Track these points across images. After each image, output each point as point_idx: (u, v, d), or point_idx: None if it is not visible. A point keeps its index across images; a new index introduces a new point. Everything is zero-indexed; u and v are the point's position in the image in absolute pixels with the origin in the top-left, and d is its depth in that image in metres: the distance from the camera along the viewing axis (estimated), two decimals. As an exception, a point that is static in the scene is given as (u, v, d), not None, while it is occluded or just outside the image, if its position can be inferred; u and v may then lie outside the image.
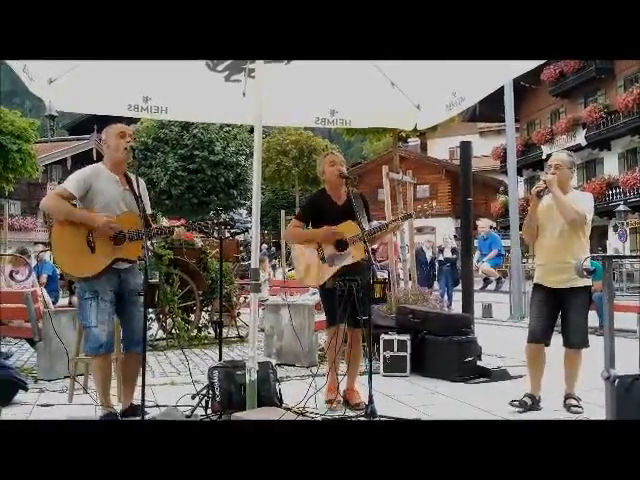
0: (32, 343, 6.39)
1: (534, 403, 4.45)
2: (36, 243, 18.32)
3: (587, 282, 4.35)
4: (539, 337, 4.45)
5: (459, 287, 8.92)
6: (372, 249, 4.24)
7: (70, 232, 3.82)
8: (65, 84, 4.24)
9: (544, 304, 4.47)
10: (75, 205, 3.89)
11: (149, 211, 4.14)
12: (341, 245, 4.45)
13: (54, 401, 4.70)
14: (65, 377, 5.24)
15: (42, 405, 4.61)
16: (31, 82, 3.79)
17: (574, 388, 4.49)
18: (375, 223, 4.61)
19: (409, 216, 4.71)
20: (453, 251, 12.46)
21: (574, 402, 4.42)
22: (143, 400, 3.52)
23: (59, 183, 30.99)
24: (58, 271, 9.14)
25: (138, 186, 3.89)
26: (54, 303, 8.43)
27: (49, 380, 5.46)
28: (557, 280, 4.38)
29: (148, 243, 3.76)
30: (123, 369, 4.14)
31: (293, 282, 9.72)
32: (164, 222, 7.49)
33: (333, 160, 4.55)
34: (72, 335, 5.15)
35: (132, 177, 3.98)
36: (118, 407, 4.09)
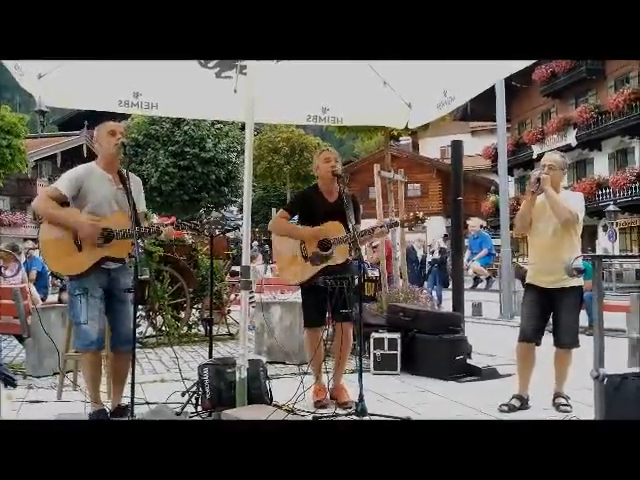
0: (21, 339, 6.35)
1: (522, 404, 4.45)
2: (25, 239, 18.20)
3: (579, 282, 4.34)
4: (530, 336, 4.46)
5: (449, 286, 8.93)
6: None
7: (58, 231, 3.81)
8: (55, 79, 4.20)
9: (535, 304, 4.47)
10: (68, 204, 3.86)
11: (143, 209, 4.11)
12: (325, 245, 4.45)
13: (43, 397, 4.69)
14: (54, 374, 5.22)
15: (31, 401, 4.59)
16: (22, 77, 3.77)
17: (563, 387, 4.51)
18: (360, 227, 4.60)
19: (396, 224, 4.75)
20: (441, 251, 12.49)
21: (563, 401, 4.44)
22: (133, 398, 3.50)
23: (49, 179, 30.88)
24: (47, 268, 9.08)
25: (130, 183, 3.86)
26: (43, 300, 8.37)
27: (38, 376, 5.44)
28: (549, 280, 4.38)
29: (139, 240, 3.74)
30: (113, 367, 4.11)
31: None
32: (154, 219, 7.47)
33: (327, 157, 4.56)
34: (61, 332, 5.12)
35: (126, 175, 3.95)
36: (108, 403, 4.07)
